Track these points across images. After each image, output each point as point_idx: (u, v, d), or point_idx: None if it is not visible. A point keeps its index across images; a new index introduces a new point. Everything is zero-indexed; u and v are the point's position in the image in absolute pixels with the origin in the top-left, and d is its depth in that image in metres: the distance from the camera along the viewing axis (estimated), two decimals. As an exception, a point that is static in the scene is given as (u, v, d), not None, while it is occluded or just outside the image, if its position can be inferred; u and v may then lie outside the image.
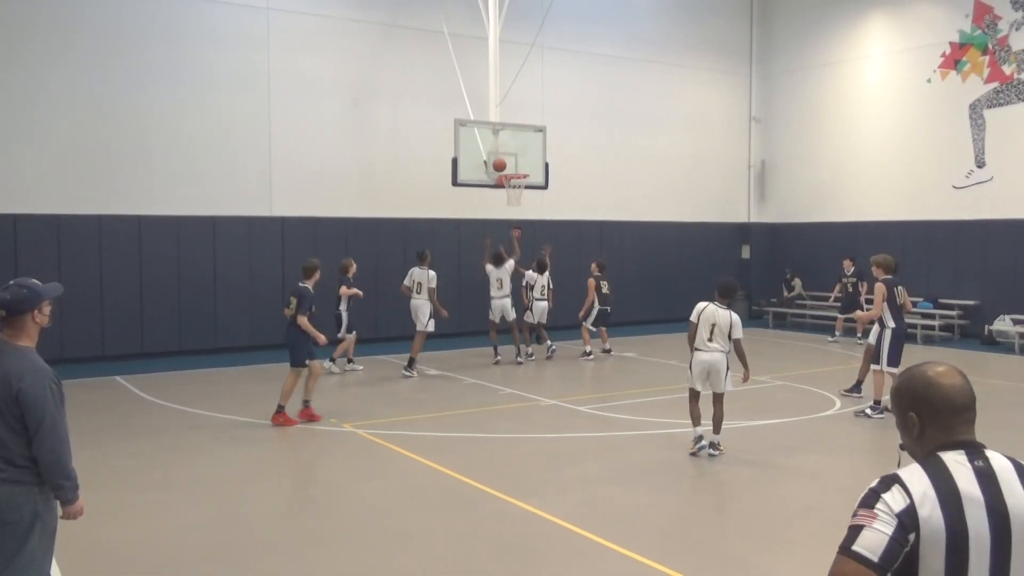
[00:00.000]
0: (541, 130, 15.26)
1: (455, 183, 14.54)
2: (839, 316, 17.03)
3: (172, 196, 14.66)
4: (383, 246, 16.45)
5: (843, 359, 15.02)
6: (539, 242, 17.75)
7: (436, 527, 6.24)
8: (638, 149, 19.81)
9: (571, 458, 8.13)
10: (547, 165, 15.22)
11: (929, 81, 18.24)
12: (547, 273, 14.77)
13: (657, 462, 8.03)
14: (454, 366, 13.89)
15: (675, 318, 19.98)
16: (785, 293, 20.34)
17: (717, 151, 21.17)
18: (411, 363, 12.83)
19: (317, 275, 9.73)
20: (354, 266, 13.04)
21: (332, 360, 13.19)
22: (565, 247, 18.31)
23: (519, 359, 14.13)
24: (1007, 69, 17.06)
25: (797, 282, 20.32)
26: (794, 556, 5.67)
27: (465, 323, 17.26)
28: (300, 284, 9.62)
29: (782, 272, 20.72)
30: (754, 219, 21.83)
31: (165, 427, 9.43)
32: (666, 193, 20.31)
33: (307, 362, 9.43)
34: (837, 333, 17.02)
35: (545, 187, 15.41)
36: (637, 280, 19.75)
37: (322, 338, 9.40)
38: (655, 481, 7.36)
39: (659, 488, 7.16)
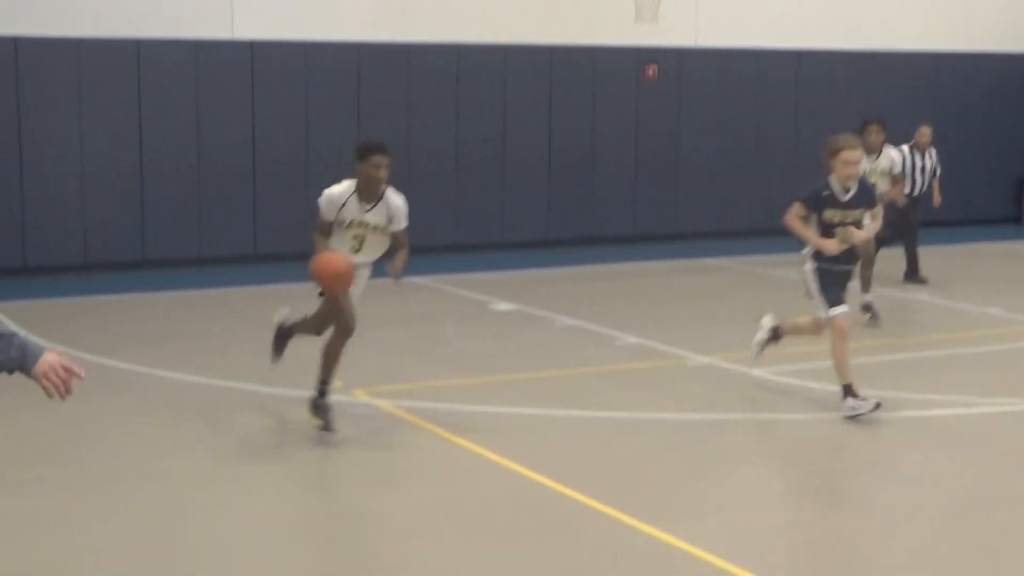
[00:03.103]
0: None
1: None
2: None
3: (60, 4, 14.86)
4: (422, 94, 16.45)
5: None
6: (686, 84, 17.42)
7: (505, 565, 6.28)
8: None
9: (732, 457, 8.22)
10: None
11: None
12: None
13: (871, 464, 8.15)
14: (541, 297, 13.95)
15: (966, 217, 19.46)
16: None
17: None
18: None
19: None
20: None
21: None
22: (737, 97, 17.97)
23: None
24: None
25: None
26: None
27: (554, 227, 17.17)
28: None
29: None
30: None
31: (74, 387, 9.61)
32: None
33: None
34: None
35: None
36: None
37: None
38: (872, 497, 7.43)
39: (877, 508, 7.23)
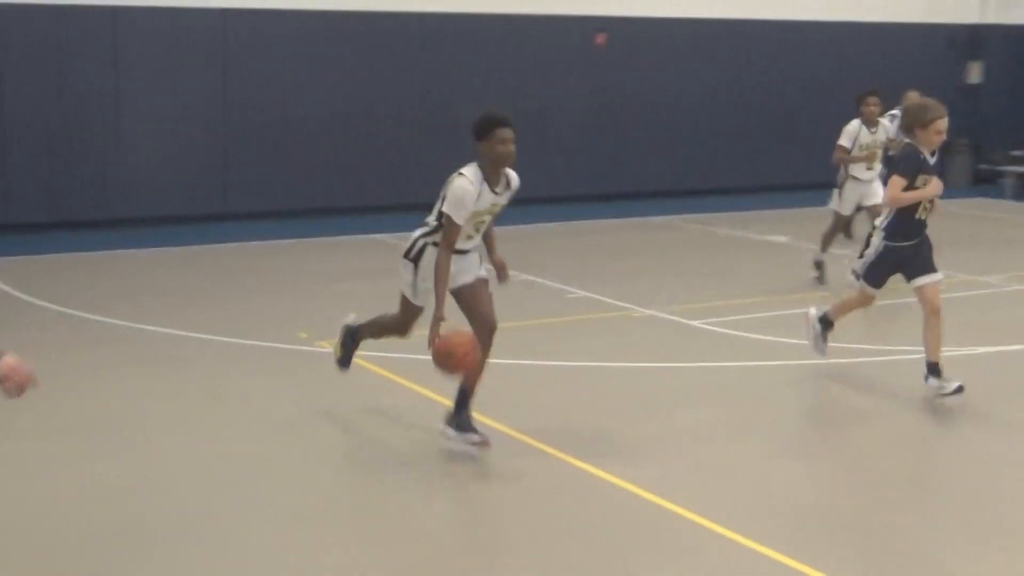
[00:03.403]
0: None
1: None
2: None
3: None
4: (384, 60, 16.79)
5: None
6: (631, 55, 17.85)
7: (455, 503, 6.59)
8: None
9: (672, 402, 8.42)
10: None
11: None
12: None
13: (808, 408, 8.57)
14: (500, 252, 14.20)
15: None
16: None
17: None
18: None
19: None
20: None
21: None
22: (682, 63, 18.36)
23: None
24: None
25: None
26: (1007, 557, 5.75)
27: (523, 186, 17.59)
28: None
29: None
30: (993, 19, 21.29)
31: (54, 342, 9.78)
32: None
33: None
34: None
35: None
36: (789, 122, 19.70)
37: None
38: (801, 437, 7.82)
39: (808, 448, 7.59)
